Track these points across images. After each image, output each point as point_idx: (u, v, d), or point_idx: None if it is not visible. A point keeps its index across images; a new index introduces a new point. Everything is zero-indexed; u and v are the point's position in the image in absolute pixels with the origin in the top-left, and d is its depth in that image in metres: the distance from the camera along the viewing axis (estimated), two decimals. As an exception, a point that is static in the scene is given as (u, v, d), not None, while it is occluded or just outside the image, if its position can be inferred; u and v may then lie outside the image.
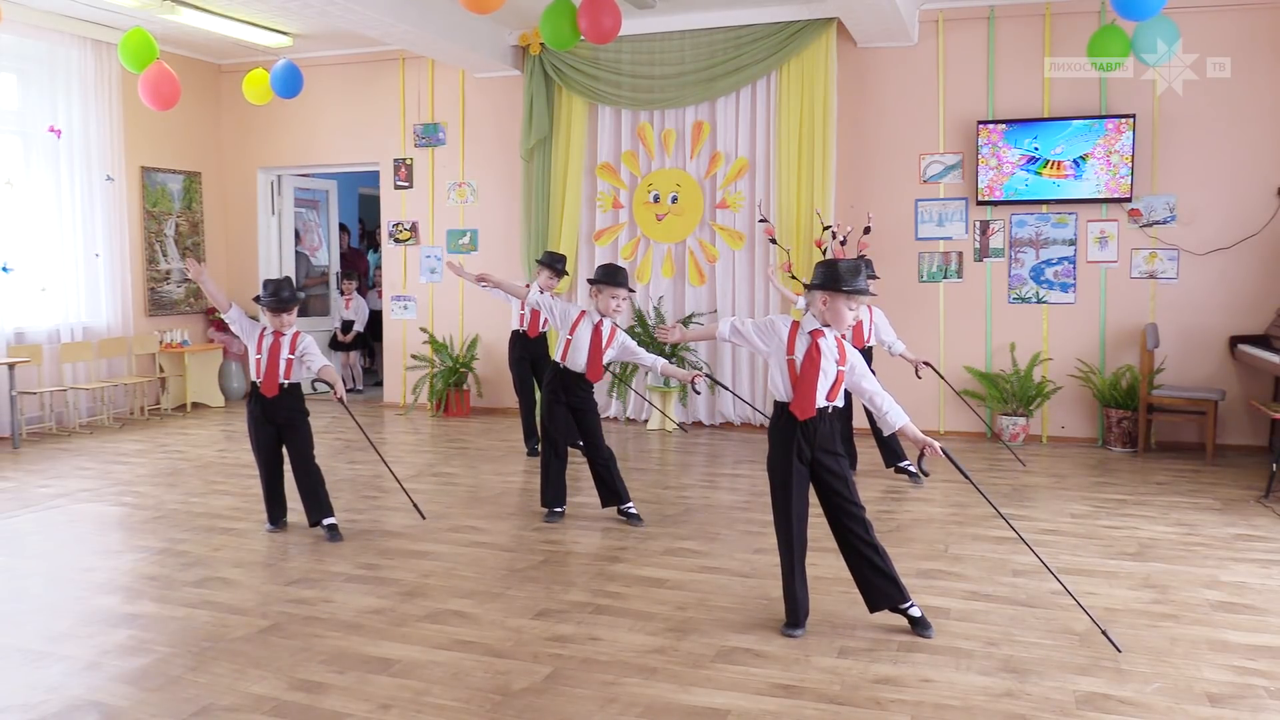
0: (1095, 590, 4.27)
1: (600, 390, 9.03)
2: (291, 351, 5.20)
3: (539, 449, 6.06)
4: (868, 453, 6.78)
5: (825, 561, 4.44)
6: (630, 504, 5.51)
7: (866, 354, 6.59)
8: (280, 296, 5.19)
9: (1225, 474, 6.70)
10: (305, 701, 3.25)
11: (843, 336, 3.82)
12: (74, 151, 8.80)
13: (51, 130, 8.64)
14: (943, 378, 7.31)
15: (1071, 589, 3.84)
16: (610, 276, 5.43)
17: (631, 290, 5.66)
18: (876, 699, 3.25)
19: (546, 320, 7.02)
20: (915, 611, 3.82)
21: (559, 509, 5.58)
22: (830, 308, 3.74)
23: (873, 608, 3.85)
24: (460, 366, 9.37)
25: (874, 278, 6.58)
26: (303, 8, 7.05)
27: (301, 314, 5.33)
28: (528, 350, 7.34)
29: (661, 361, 5.47)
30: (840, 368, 3.75)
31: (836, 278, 3.70)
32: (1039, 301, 7.94)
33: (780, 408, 3.83)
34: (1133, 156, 7.49)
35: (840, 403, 3.80)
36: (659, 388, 8.46)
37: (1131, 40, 6.53)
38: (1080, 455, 7.41)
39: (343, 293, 11.39)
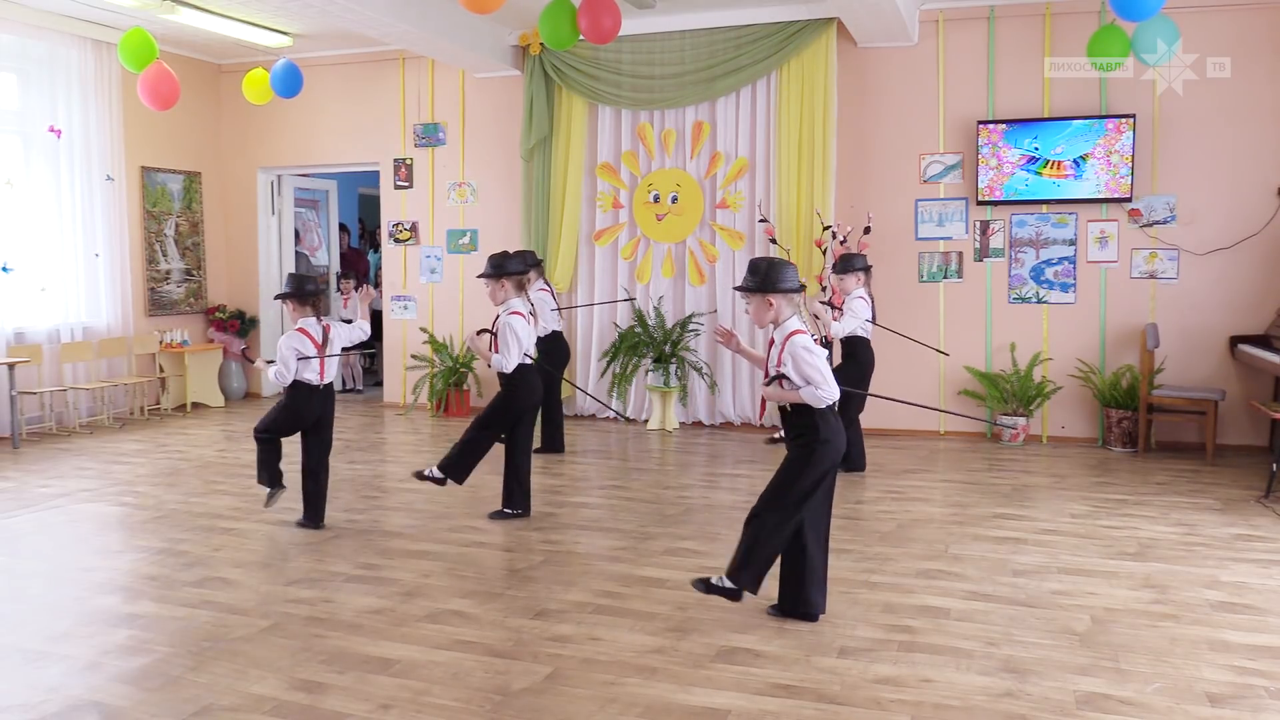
0: (1095, 590, 4.27)
1: (600, 389, 9.05)
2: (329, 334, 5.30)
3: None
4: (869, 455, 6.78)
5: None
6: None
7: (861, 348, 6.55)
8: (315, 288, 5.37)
9: (1225, 474, 6.70)
10: (305, 701, 3.25)
11: (777, 338, 3.85)
12: (74, 151, 8.79)
13: (51, 130, 8.64)
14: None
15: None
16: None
17: (490, 275, 5.46)
18: (876, 699, 3.25)
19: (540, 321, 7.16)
20: (719, 582, 3.91)
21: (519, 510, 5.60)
22: None
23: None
24: (460, 366, 9.36)
25: (863, 270, 6.58)
26: (303, 8, 7.06)
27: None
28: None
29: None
30: (778, 370, 3.82)
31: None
32: (1039, 301, 7.94)
33: None
34: (1133, 156, 7.49)
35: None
36: (658, 387, 8.46)
37: (1131, 40, 6.53)
38: (1080, 455, 7.41)
39: (341, 292, 11.38)
